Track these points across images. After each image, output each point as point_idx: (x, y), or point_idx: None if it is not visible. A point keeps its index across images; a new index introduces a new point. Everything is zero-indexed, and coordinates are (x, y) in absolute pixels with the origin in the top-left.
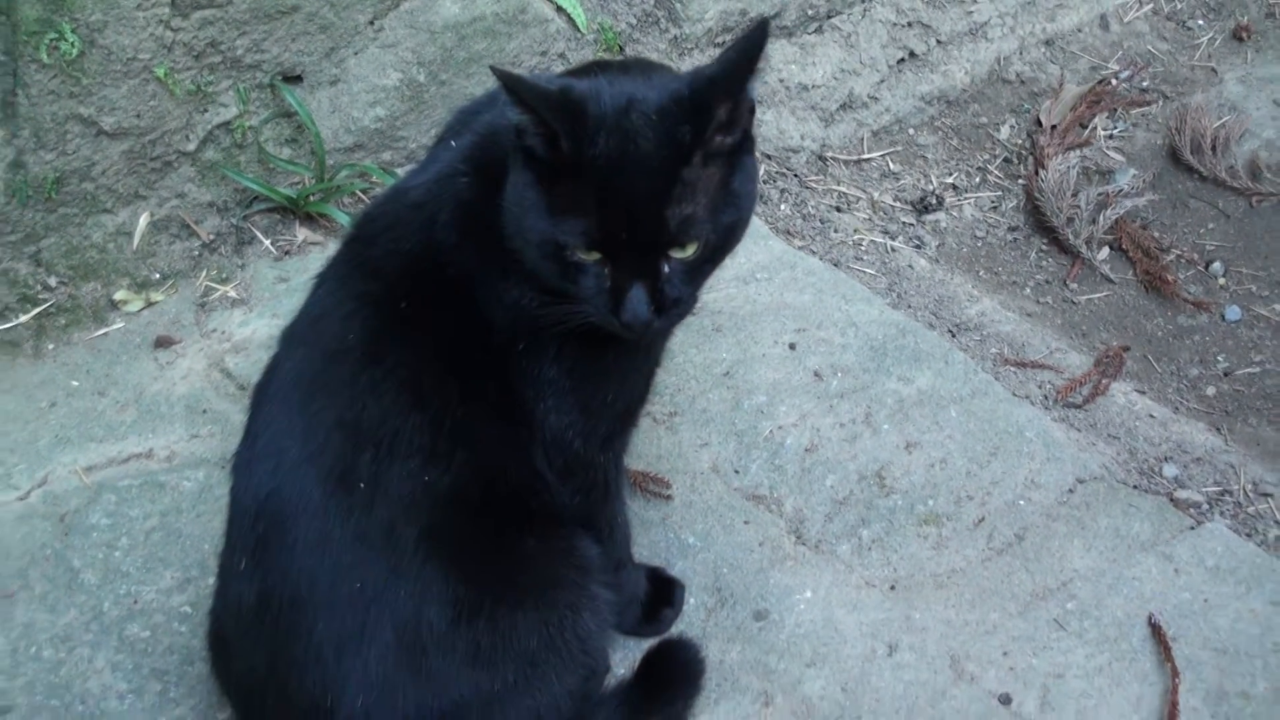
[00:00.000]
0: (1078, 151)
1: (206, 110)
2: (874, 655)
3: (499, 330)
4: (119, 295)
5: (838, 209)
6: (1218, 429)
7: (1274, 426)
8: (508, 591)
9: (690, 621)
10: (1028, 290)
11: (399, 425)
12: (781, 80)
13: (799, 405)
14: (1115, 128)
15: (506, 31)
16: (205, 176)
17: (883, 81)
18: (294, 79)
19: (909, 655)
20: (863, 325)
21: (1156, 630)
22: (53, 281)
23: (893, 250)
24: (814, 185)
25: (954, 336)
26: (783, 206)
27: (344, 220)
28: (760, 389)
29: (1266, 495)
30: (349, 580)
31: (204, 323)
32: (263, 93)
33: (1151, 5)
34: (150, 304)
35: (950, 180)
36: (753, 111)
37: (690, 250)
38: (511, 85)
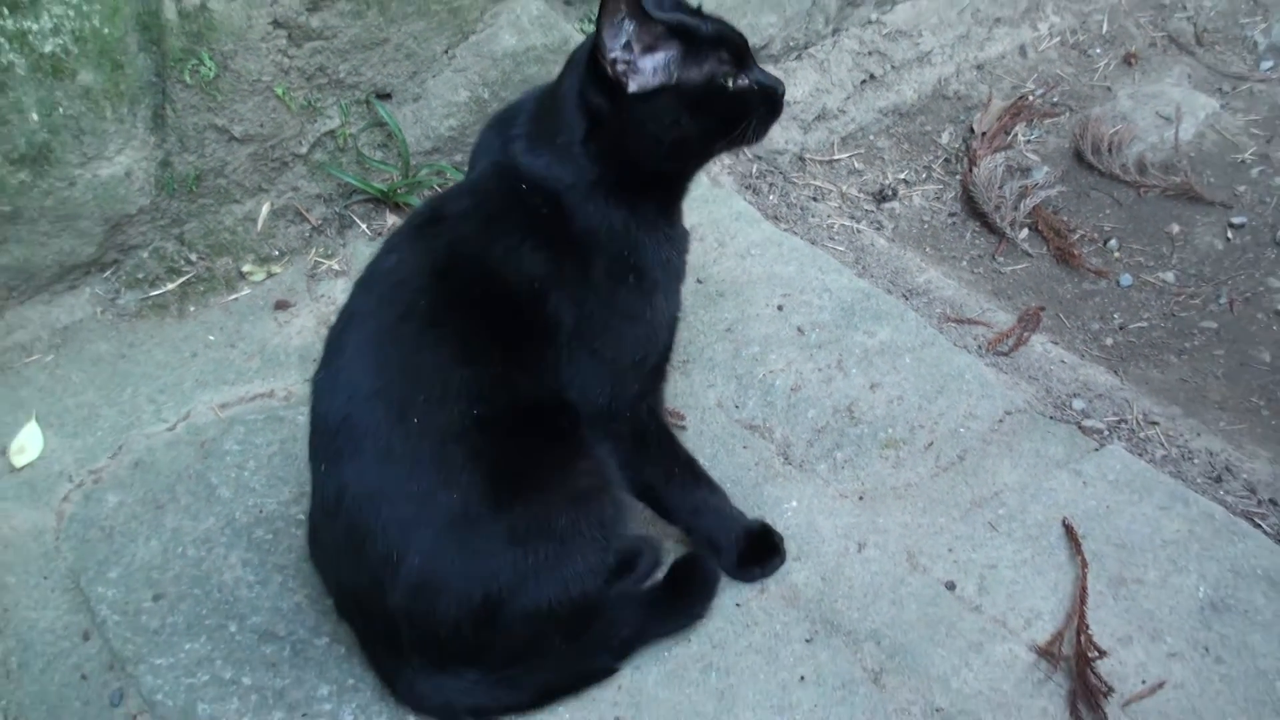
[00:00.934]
0: (1003, 153)
1: (315, 121)
2: (847, 552)
3: (552, 321)
4: (246, 268)
5: (814, 199)
6: (1115, 372)
7: (1158, 369)
8: (538, 488)
9: None
10: (964, 263)
11: (449, 376)
12: None
13: (785, 354)
14: (1032, 134)
15: (553, 59)
16: (314, 174)
17: (849, 98)
18: (385, 96)
19: (874, 551)
20: (835, 291)
21: (1069, 530)
22: (193, 257)
23: (858, 232)
24: (796, 180)
25: (907, 299)
26: (771, 197)
27: None
28: (755, 341)
29: (1154, 423)
30: (408, 483)
31: (314, 290)
32: (360, 107)
33: (1060, 38)
34: (271, 275)
35: (903, 176)
36: None
37: None
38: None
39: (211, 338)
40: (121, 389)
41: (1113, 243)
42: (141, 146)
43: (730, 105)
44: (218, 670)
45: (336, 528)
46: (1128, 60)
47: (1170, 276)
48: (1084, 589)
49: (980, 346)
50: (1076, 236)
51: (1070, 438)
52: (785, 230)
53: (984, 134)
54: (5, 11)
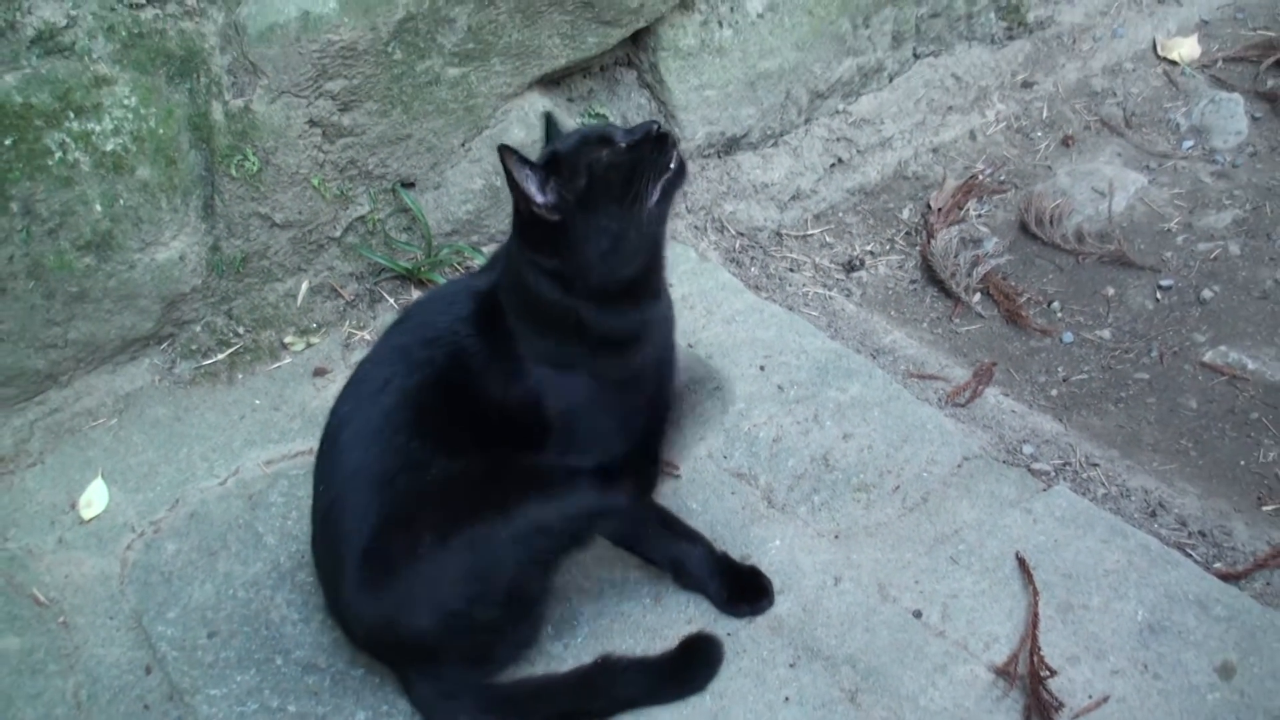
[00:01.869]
0: (957, 227)
1: (347, 208)
2: (825, 585)
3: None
4: (288, 339)
5: (791, 270)
6: (1060, 419)
7: (1098, 417)
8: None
9: None
10: (925, 325)
11: (459, 446)
12: (750, 180)
13: (767, 409)
14: (982, 209)
15: None
16: (347, 254)
17: (820, 180)
18: (409, 185)
19: (849, 584)
20: (811, 352)
21: (1022, 562)
22: (241, 330)
23: (830, 299)
24: (774, 254)
25: (874, 358)
26: (752, 269)
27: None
28: (740, 398)
29: (1095, 465)
30: (390, 505)
31: (348, 358)
32: (387, 195)
33: (1005, 123)
34: (310, 345)
35: (869, 248)
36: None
37: None
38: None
39: (258, 402)
40: (178, 448)
41: (1056, 304)
42: (194, 233)
43: (619, 170)
44: (266, 699)
45: (323, 536)
46: (1065, 142)
47: (1107, 334)
48: (1036, 615)
49: (940, 399)
50: (1024, 299)
51: (1021, 479)
52: (765, 298)
53: (940, 210)
54: (72, 115)
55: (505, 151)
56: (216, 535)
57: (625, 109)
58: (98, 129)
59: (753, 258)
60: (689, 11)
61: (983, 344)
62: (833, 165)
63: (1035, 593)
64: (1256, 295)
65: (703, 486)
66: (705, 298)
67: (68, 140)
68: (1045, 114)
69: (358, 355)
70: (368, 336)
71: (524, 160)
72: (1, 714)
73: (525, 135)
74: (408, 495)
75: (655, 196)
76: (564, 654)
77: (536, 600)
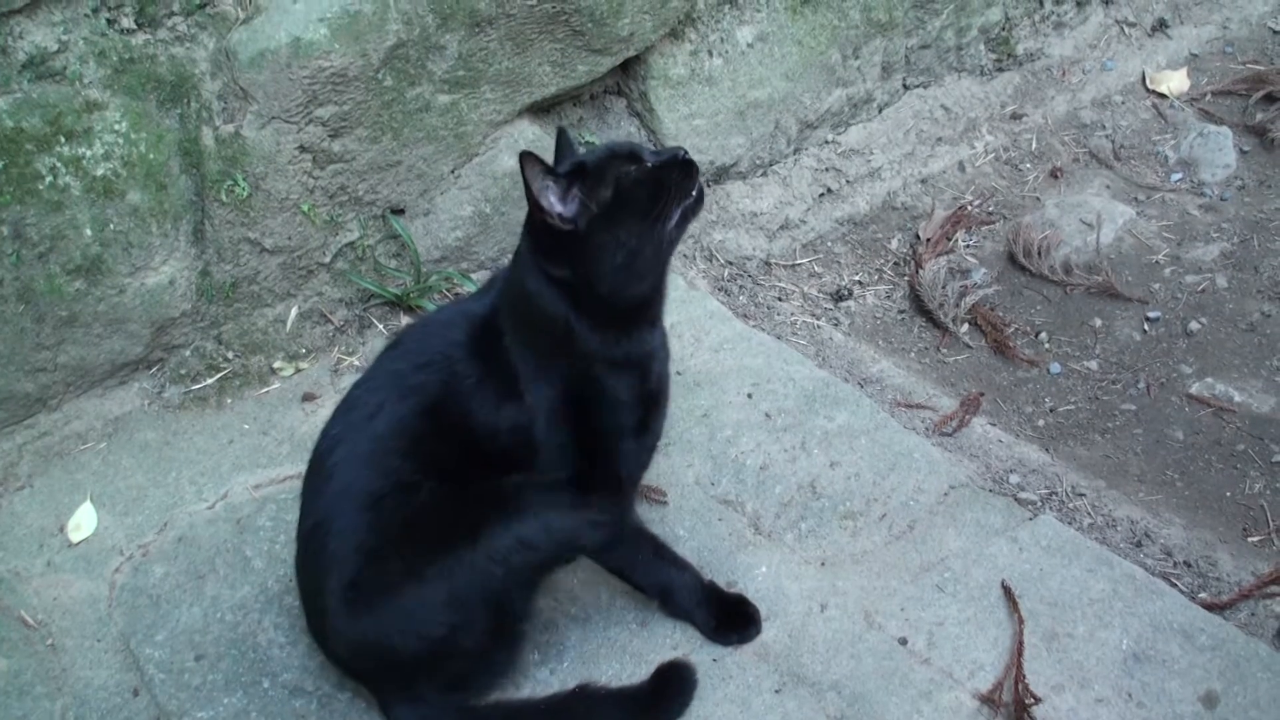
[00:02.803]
0: (945, 257)
1: (337, 234)
2: (811, 612)
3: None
4: (277, 364)
5: (779, 299)
6: (1046, 449)
7: (1085, 447)
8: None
9: None
10: (912, 354)
11: (452, 469)
12: (739, 210)
13: (755, 437)
14: (971, 240)
15: None
16: (336, 280)
17: (809, 209)
18: (398, 211)
19: (835, 611)
20: (798, 380)
21: (1007, 591)
22: (230, 355)
23: (818, 328)
24: (762, 283)
25: (862, 387)
26: (741, 298)
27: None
28: (728, 425)
29: (1081, 495)
30: (376, 526)
31: (337, 383)
32: (376, 221)
33: (994, 154)
34: (299, 370)
35: (857, 278)
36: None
37: None
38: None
39: (246, 426)
40: (166, 472)
41: (1043, 335)
42: (184, 258)
43: (646, 187)
44: None
45: (306, 553)
46: (1054, 174)
47: (1094, 365)
48: (1021, 643)
49: (927, 428)
50: (1011, 330)
51: (1007, 509)
52: (754, 327)
53: (928, 240)
54: (62, 140)
55: (526, 158)
56: (204, 559)
57: (615, 137)
58: (88, 154)
59: (741, 286)
60: (679, 41)
61: (970, 374)
62: (822, 195)
63: (1020, 621)
64: (1243, 328)
65: (690, 513)
66: (694, 325)
67: (58, 165)
68: (1034, 146)
69: (347, 381)
70: (357, 362)
71: (547, 169)
72: None
73: (514, 162)
74: (393, 519)
75: (675, 220)
76: (550, 679)
77: (518, 622)
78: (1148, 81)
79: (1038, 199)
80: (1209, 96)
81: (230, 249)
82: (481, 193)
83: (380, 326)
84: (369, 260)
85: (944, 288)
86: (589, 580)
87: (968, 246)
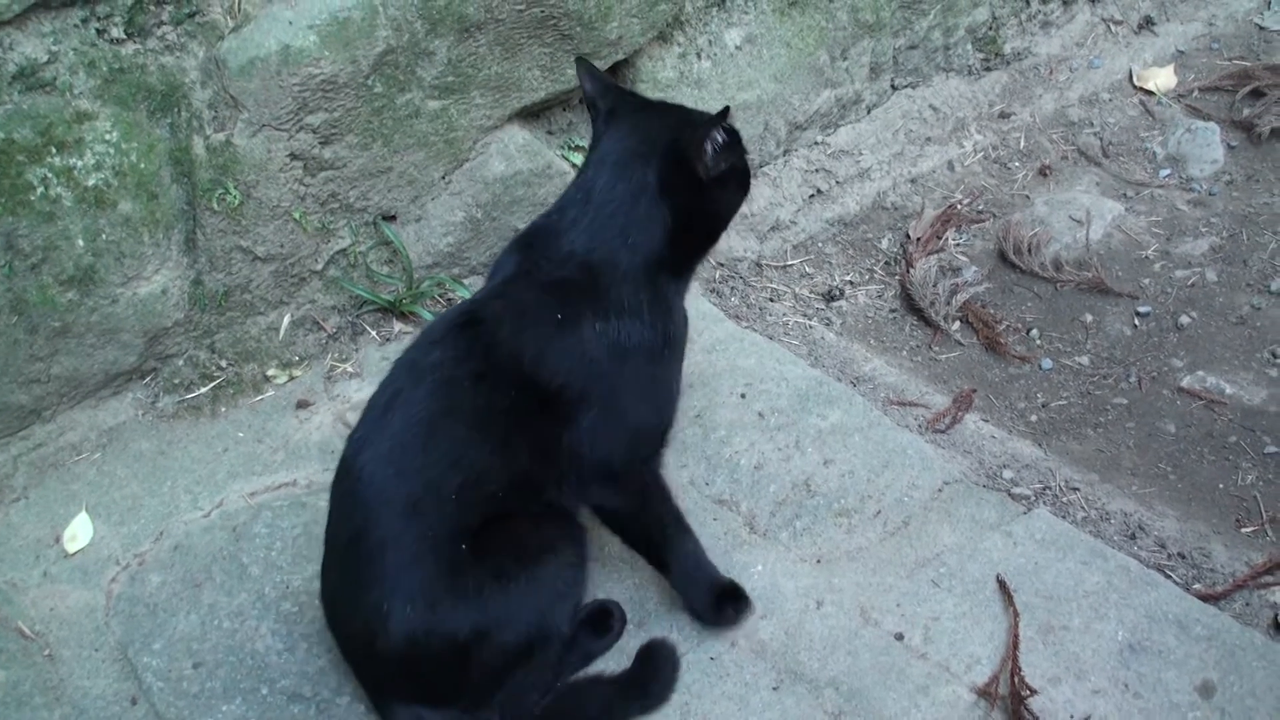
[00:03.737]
0: (936, 256)
1: (329, 241)
2: (807, 609)
3: (579, 405)
4: (270, 372)
5: (771, 300)
6: (1039, 444)
7: (1077, 441)
8: (525, 539)
9: None
10: (904, 353)
11: (485, 467)
12: None
13: (749, 436)
14: (961, 239)
15: (538, 182)
16: (329, 288)
17: (799, 210)
18: (390, 218)
19: (831, 608)
20: (791, 380)
21: (1002, 585)
22: (223, 363)
23: (810, 328)
24: (754, 284)
25: (855, 386)
26: (733, 299)
27: (429, 317)
28: (722, 426)
29: (1074, 489)
30: (420, 535)
31: (330, 390)
32: (368, 228)
33: (983, 153)
34: (292, 378)
35: (848, 278)
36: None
37: None
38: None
39: (241, 434)
40: (161, 481)
41: (1034, 332)
42: (176, 267)
43: (746, 173)
44: None
45: (343, 568)
46: (1043, 171)
47: (1085, 360)
48: (1016, 636)
49: (920, 425)
50: (1002, 327)
51: (1001, 504)
52: (746, 328)
53: (919, 239)
54: (54, 150)
55: (724, 116)
56: (201, 567)
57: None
58: (80, 164)
59: (733, 288)
60: (667, 44)
61: (962, 371)
62: (812, 196)
63: (1016, 614)
64: (1233, 321)
65: (685, 513)
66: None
67: (50, 175)
68: (1023, 144)
69: (340, 388)
70: (350, 369)
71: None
72: None
73: (505, 167)
74: (442, 523)
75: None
76: None
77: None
78: (1135, 79)
79: (1027, 197)
80: (1196, 93)
81: (222, 257)
82: (473, 198)
83: (373, 333)
84: (361, 267)
85: (935, 286)
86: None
87: (958, 245)
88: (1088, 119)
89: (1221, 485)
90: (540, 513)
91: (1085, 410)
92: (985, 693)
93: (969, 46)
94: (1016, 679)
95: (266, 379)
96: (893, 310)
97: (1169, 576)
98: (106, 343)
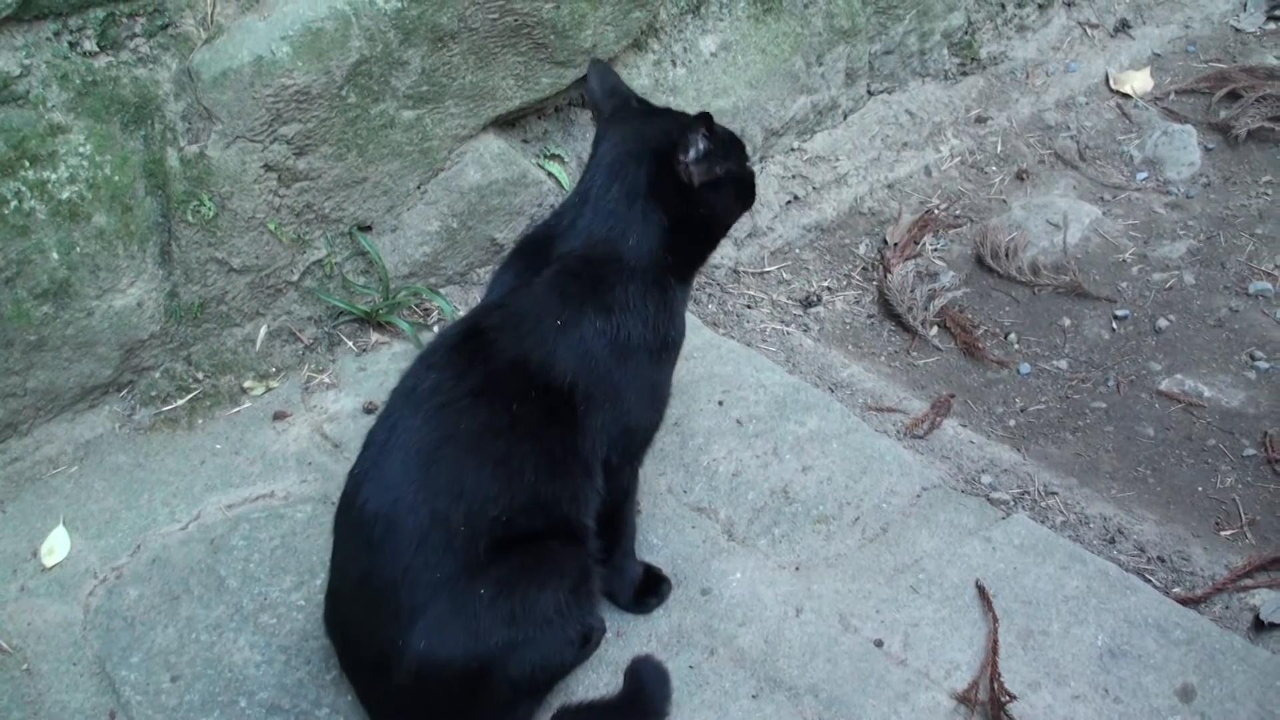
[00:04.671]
0: (913, 261)
1: (304, 252)
2: (786, 616)
3: (588, 403)
4: (247, 384)
5: (748, 307)
6: (1017, 449)
7: (1056, 446)
8: (535, 576)
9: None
10: (882, 358)
11: (489, 492)
12: None
13: (727, 443)
14: (938, 244)
15: (514, 190)
16: (305, 298)
17: (776, 217)
18: (366, 228)
19: (810, 615)
20: (769, 386)
21: (981, 590)
22: (200, 375)
23: (787, 334)
24: (731, 291)
25: (833, 392)
26: (710, 306)
27: (406, 327)
28: (699, 433)
29: (1053, 494)
30: (431, 572)
31: (308, 401)
32: (343, 238)
33: (959, 158)
34: (269, 389)
35: (826, 284)
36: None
37: None
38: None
39: (218, 446)
40: (139, 494)
41: (1012, 336)
42: (151, 279)
43: (747, 183)
44: None
45: (355, 606)
46: (1020, 176)
47: (1064, 364)
48: (996, 642)
49: (899, 431)
50: (980, 332)
51: (980, 509)
52: (723, 335)
53: (896, 245)
54: (27, 164)
55: (702, 121)
56: (178, 580)
57: (580, 150)
58: (53, 177)
59: (710, 295)
60: (642, 51)
61: (940, 376)
62: (789, 202)
63: (995, 620)
64: (1211, 323)
65: (663, 521)
66: None
67: (23, 189)
68: (999, 148)
69: (317, 399)
70: (327, 380)
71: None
72: None
73: (481, 176)
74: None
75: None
76: None
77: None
78: (1111, 82)
79: (1004, 201)
80: (1172, 95)
81: (198, 269)
82: (448, 207)
83: (350, 344)
84: (337, 278)
85: (912, 291)
86: None
87: (935, 250)
88: (1064, 123)
89: (1200, 488)
90: (547, 540)
91: (1064, 414)
92: (965, 699)
93: (945, 51)
94: (996, 685)
95: (243, 391)
96: (870, 316)
97: (1148, 580)
98: (82, 356)
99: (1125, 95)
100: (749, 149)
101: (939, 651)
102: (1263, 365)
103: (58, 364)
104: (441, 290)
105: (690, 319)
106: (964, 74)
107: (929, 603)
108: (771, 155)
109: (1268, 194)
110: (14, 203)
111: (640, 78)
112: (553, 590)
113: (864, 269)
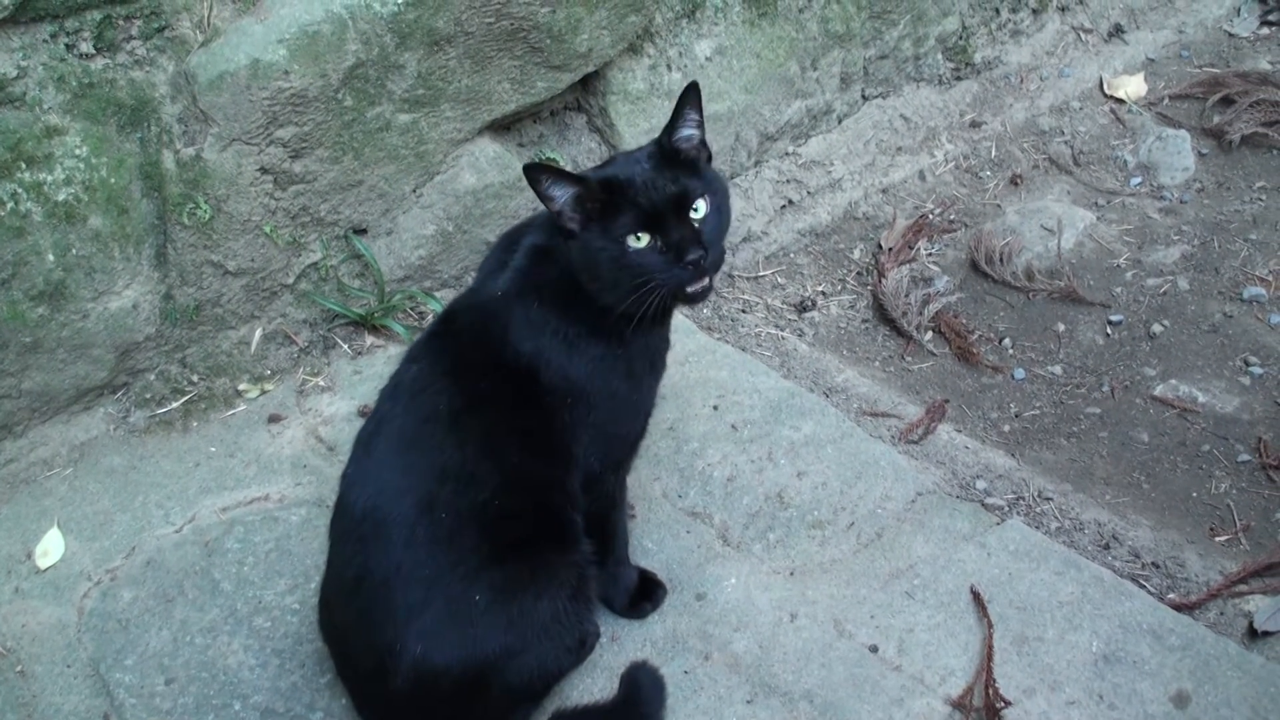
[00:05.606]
0: (908, 266)
1: (300, 255)
2: (781, 622)
3: (552, 395)
4: (242, 386)
5: (743, 311)
6: (1012, 455)
7: (1050, 451)
8: (532, 583)
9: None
10: (877, 363)
11: (473, 470)
12: None
13: (721, 448)
14: (933, 248)
15: (508, 194)
16: (300, 301)
17: (771, 221)
18: (361, 231)
19: (805, 621)
20: (764, 391)
21: (976, 596)
22: (195, 378)
23: (782, 339)
24: (726, 295)
25: (828, 397)
26: (704, 310)
27: (400, 330)
28: (694, 438)
29: (1048, 499)
30: (423, 569)
31: (302, 404)
32: (339, 241)
33: (954, 163)
34: (264, 392)
35: (820, 289)
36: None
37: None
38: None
39: (213, 449)
40: (133, 497)
41: (1007, 341)
42: (146, 282)
43: (627, 262)
44: None
45: (349, 609)
46: (1014, 181)
47: (1058, 369)
48: (990, 647)
49: (893, 436)
50: (975, 337)
51: (975, 514)
52: (718, 339)
53: (890, 249)
54: (23, 166)
55: (540, 169)
56: (173, 582)
57: (576, 153)
58: (49, 179)
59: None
60: (638, 56)
61: (935, 381)
62: (783, 207)
63: (990, 626)
64: (1205, 329)
65: (658, 526)
66: None
67: (19, 191)
68: (994, 153)
69: (312, 401)
70: (322, 383)
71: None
72: None
73: (476, 180)
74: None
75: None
76: None
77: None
78: (1105, 87)
79: (998, 206)
80: (1166, 100)
81: (193, 272)
82: (444, 211)
83: (345, 346)
84: (332, 280)
85: (907, 296)
86: None
87: (930, 255)
88: (1059, 128)
89: (1195, 494)
90: (542, 546)
91: (1058, 420)
92: (960, 704)
93: (939, 56)
94: (991, 690)
95: (238, 393)
96: (865, 321)
97: (1143, 586)
98: (77, 358)
99: (1119, 100)
100: (745, 153)
101: (934, 657)
102: (1257, 371)
103: (53, 366)
104: (436, 293)
105: (685, 323)
106: (958, 79)
107: (924, 608)
108: (766, 159)
109: (1261, 199)
110: (10, 204)
111: (636, 81)
112: (550, 598)
113: (858, 274)
